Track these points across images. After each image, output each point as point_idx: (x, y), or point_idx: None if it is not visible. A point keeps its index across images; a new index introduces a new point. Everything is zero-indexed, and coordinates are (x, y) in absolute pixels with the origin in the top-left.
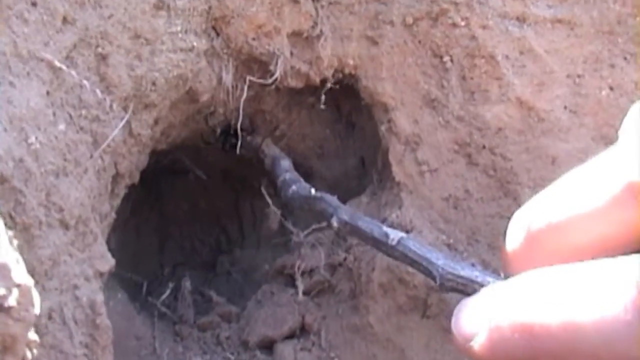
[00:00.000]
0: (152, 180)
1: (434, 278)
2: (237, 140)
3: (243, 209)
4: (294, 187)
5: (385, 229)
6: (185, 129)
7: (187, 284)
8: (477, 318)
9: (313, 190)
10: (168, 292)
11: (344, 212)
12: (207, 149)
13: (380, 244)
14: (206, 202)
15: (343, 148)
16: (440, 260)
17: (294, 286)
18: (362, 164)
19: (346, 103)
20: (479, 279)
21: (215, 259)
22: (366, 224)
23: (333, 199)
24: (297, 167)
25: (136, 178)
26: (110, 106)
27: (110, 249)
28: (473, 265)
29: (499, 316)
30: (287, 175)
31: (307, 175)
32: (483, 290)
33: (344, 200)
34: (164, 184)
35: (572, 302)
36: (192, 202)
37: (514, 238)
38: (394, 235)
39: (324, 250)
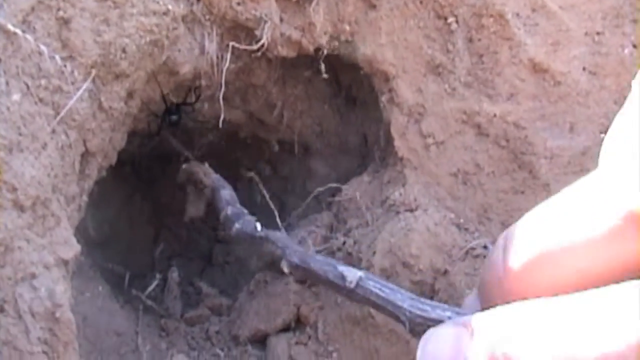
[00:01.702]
0: (143, 167)
1: (402, 323)
2: (177, 117)
3: (241, 196)
4: (237, 225)
5: (340, 268)
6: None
7: (174, 275)
8: (452, 350)
9: (259, 226)
10: (155, 283)
11: (294, 254)
12: (199, 130)
13: (337, 288)
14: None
15: (343, 125)
16: (406, 302)
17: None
18: (365, 142)
19: (346, 75)
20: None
21: (212, 249)
22: (319, 264)
23: (281, 238)
24: (293, 145)
25: (113, 159)
26: (72, 74)
27: (98, 242)
28: (444, 304)
29: (482, 350)
30: (230, 210)
31: (306, 154)
32: (457, 319)
33: (346, 180)
34: (155, 171)
35: (571, 336)
36: (187, 190)
37: (501, 264)
38: (352, 276)
39: (322, 233)
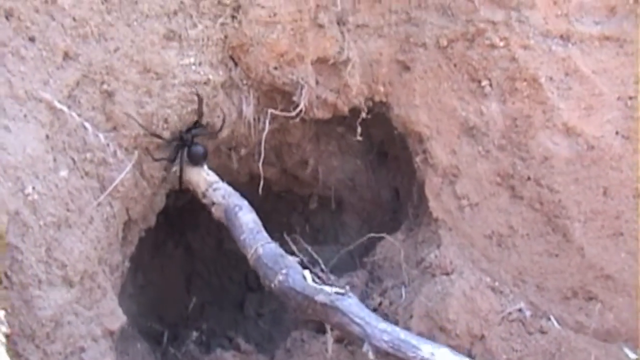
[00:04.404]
0: (175, 215)
1: None
2: (204, 150)
3: None
4: (280, 278)
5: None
6: (207, 165)
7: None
8: None
9: (309, 276)
10: (191, 343)
11: (380, 335)
12: (233, 184)
13: None
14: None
15: (375, 179)
16: None
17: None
18: (397, 196)
19: (378, 131)
20: None
21: (244, 297)
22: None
23: (355, 308)
24: (325, 199)
25: (152, 221)
26: (116, 147)
27: (132, 293)
28: None
29: None
30: (261, 249)
31: (338, 207)
32: None
33: (378, 233)
34: (188, 218)
35: None
36: (218, 237)
37: None
38: None
39: (357, 293)
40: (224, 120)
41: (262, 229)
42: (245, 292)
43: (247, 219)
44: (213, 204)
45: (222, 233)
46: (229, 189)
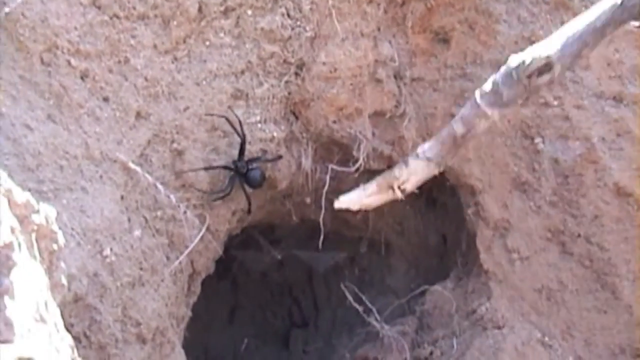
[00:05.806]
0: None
1: None
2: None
3: (317, 281)
4: None
5: None
6: (261, 211)
7: None
8: None
9: None
10: None
11: None
12: (284, 226)
13: None
14: (278, 272)
15: (423, 225)
16: None
17: None
18: (444, 241)
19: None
20: None
21: (288, 332)
22: None
23: None
24: (377, 244)
25: (212, 269)
26: (187, 206)
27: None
28: None
29: None
30: None
31: (386, 251)
32: None
33: (425, 279)
34: (234, 251)
35: None
36: (263, 271)
37: None
38: None
39: (408, 341)
40: (279, 156)
41: None
42: (290, 328)
43: None
44: None
45: (267, 267)
46: None
